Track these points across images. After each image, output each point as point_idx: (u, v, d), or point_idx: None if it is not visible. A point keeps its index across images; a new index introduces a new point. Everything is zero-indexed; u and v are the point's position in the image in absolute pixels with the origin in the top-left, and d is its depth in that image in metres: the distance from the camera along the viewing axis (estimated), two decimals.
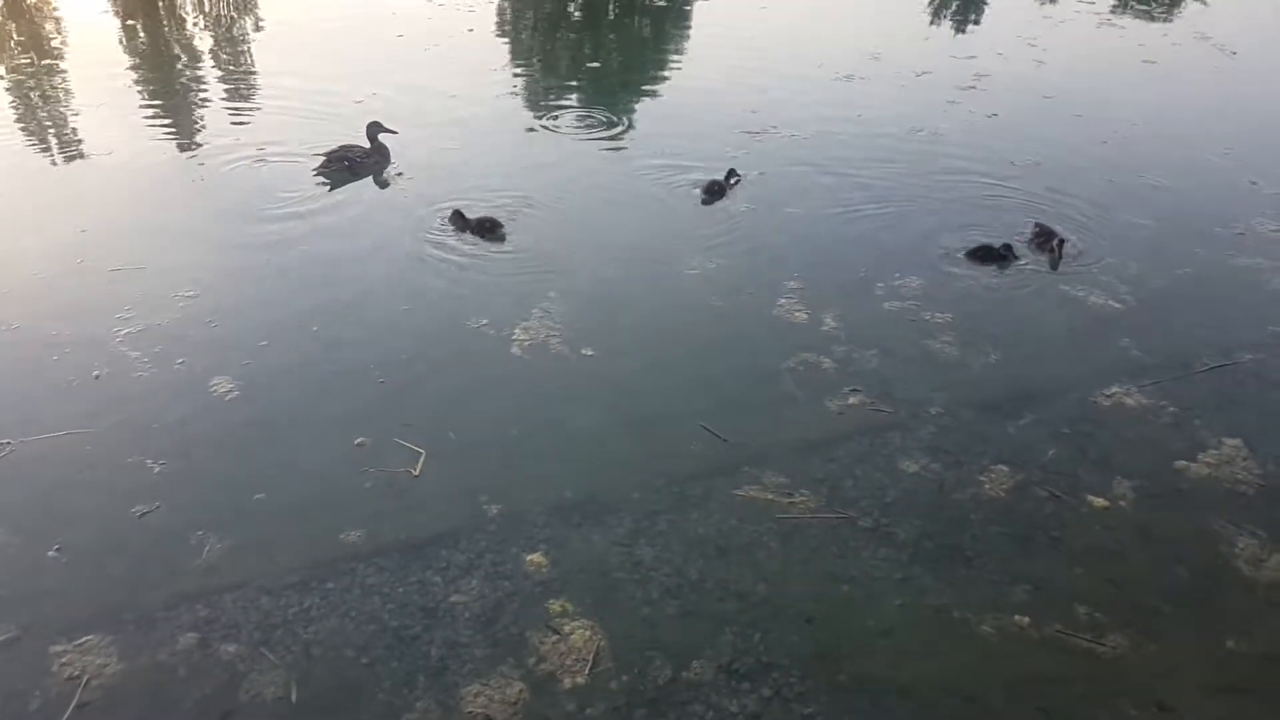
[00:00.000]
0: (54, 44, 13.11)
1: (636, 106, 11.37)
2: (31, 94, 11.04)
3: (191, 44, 13.45)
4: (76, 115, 10.41)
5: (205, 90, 11.35)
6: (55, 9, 14.69)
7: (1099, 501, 5.24)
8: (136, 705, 4.03)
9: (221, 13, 15.06)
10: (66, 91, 11.16)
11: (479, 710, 4.01)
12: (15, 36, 13.34)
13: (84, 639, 4.28)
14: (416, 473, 5.30)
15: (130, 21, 14.12)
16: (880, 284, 7.31)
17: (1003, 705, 4.14)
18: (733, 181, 8.84)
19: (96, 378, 5.97)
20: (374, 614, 4.45)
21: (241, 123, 10.28)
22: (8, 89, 11.20)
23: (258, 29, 14.16)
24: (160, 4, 15.06)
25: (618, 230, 8.23)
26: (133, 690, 4.08)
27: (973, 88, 12.03)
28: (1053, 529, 5.05)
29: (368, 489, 5.19)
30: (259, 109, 10.73)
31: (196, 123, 10.34)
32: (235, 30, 14.16)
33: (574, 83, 12.54)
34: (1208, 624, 4.53)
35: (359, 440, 5.53)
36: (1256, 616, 4.57)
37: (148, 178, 8.91)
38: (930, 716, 4.09)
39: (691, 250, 7.73)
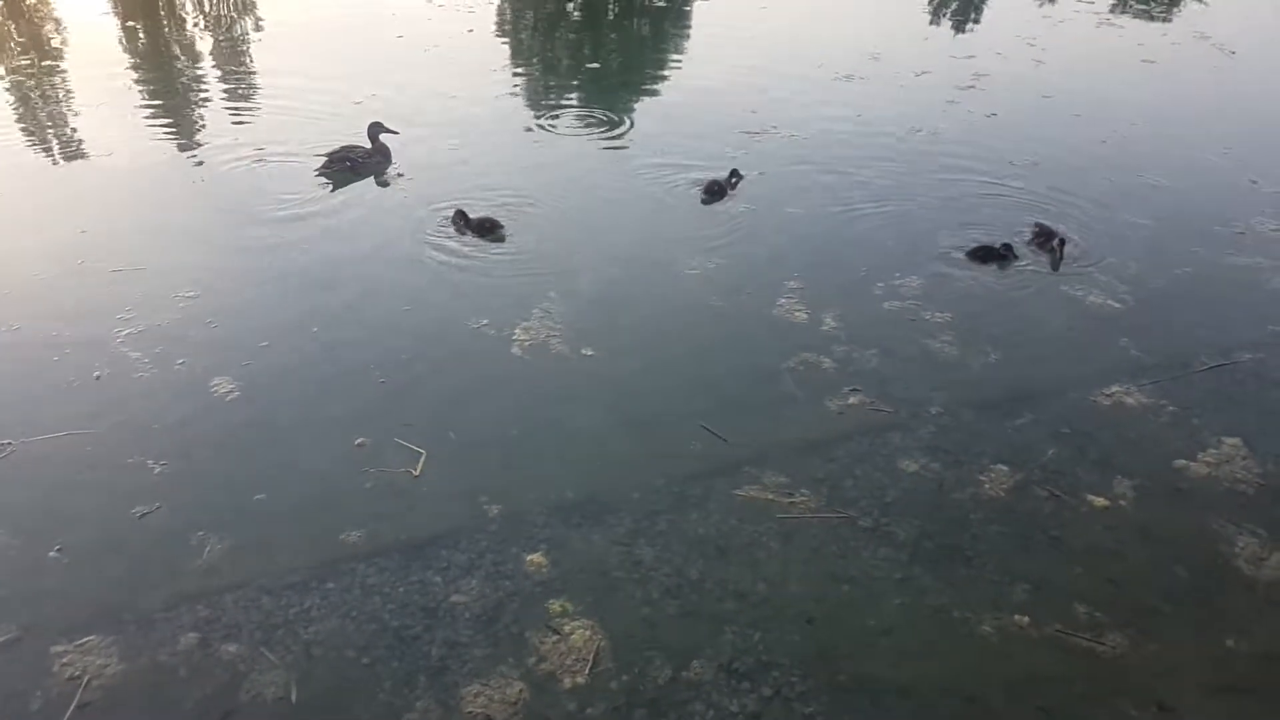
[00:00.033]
0: (54, 44, 13.12)
1: (636, 106, 11.37)
2: (32, 94, 11.04)
3: (191, 44, 13.45)
4: (77, 116, 10.41)
5: (205, 91, 11.35)
6: (54, 10, 14.68)
7: (1099, 501, 5.24)
8: (137, 705, 4.04)
9: (221, 13, 15.07)
10: (67, 92, 11.16)
11: (479, 710, 4.01)
12: (15, 37, 13.33)
13: (85, 639, 4.28)
14: (417, 473, 5.30)
15: (130, 22, 14.12)
16: (880, 284, 7.32)
17: (1003, 705, 4.14)
18: (734, 181, 8.84)
19: (97, 378, 5.98)
20: (374, 614, 4.46)
21: (242, 123, 10.28)
22: (8, 89, 11.20)
23: (257, 30, 14.15)
24: (160, 5, 15.07)
25: (618, 230, 8.23)
26: (133, 690, 4.09)
27: (972, 87, 12.03)
28: (1052, 528, 5.06)
29: (368, 489, 5.19)
30: (259, 109, 10.73)
31: (197, 123, 10.34)
32: (235, 31, 14.16)
33: (574, 83, 12.55)
34: (1207, 623, 4.53)
35: (359, 440, 5.53)
36: (1256, 616, 4.58)
37: (148, 178, 8.91)
38: (930, 716, 4.09)
39: (691, 250, 7.73)
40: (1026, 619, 4.50)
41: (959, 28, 15.48)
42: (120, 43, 13.24)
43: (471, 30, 14.21)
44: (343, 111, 10.49)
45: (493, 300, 6.97)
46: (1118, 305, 7.16)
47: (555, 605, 4.51)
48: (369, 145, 9.21)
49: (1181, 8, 16.98)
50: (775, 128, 10.42)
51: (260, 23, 14.48)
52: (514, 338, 6.51)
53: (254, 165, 9.14)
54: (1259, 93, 12.63)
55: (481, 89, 11.60)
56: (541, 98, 11.67)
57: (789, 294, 7.10)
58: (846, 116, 10.85)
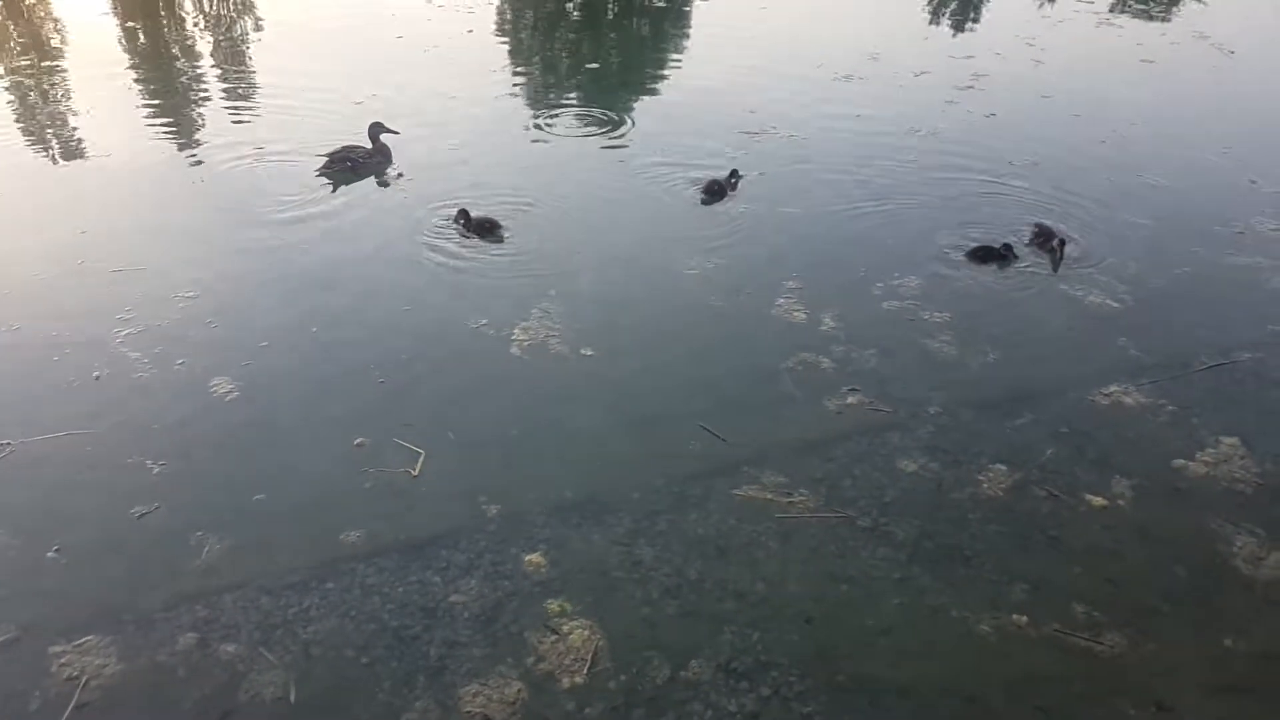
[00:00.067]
0: (54, 44, 13.12)
1: (636, 106, 11.36)
2: (31, 95, 11.05)
3: (191, 45, 13.45)
4: (76, 116, 10.41)
5: (205, 91, 11.35)
6: (54, 9, 14.68)
7: (1097, 501, 5.24)
8: (135, 706, 4.04)
9: (221, 13, 15.07)
10: (66, 92, 11.16)
11: (478, 710, 4.02)
12: (15, 37, 13.34)
13: (83, 639, 4.29)
14: (416, 473, 5.30)
15: (130, 22, 14.12)
16: (879, 284, 7.32)
17: (1001, 705, 4.14)
18: (734, 182, 8.84)
19: (97, 378, 5.98)
20: (373, 614, 4.46)
21: (242, 123, 10.28)
22: (8, 89, 11.20)
23: (257, 30, 14.15)
24: (160, 5, 15.07)
25: (617, 230, 8.23)
26: (132, 691, 4.09)
27: (971, 87, 12.03)
28: (1051, 528, 5.06)
29: (367, 489, 5.20)
30: (259, 110, 10.73)
31: (197, 123, 10.34)
32: (235, 31, 14.16)
33: (573, 83, 12.55)
34: (1206, 623, 4.53)
35: (358, 440, 5.53)
36: (1255, 615, 4.58)
37: (148, 178, 8.92)
38: (929, 716, 4.09)
39: (690, 250, 7.74)
40: (1025, 619, 4.50)
41: (958, 28, 15.48)
42: (120, 43, 13.23)
43: (471, 30, 14.21)
44: (342, 112, 10.49)
45: (492, 300, 6.97)
46: (1117, 305, 7.16)
47: (554, 605, 4.51)
48: (369, 145, 9.22)
49: (1180, 7, 16.98)
50: (775, 128, 10.42)
51: (260, 23, 14.48)
52: (513, 338, 6.51)
53: (254, 165, 9.15)
54: (1258, 92, 12.63)
55: (481, 89, 11.60)
56: (541, 98, 11.67)
57: (788, 294, 7.10)
58: (846, 117, 10.86)
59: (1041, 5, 16.71)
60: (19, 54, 12.53)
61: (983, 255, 7.72)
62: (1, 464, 5.29)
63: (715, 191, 8.70)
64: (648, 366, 6.30)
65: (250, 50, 13.19)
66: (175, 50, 13.30)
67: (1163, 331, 6.86)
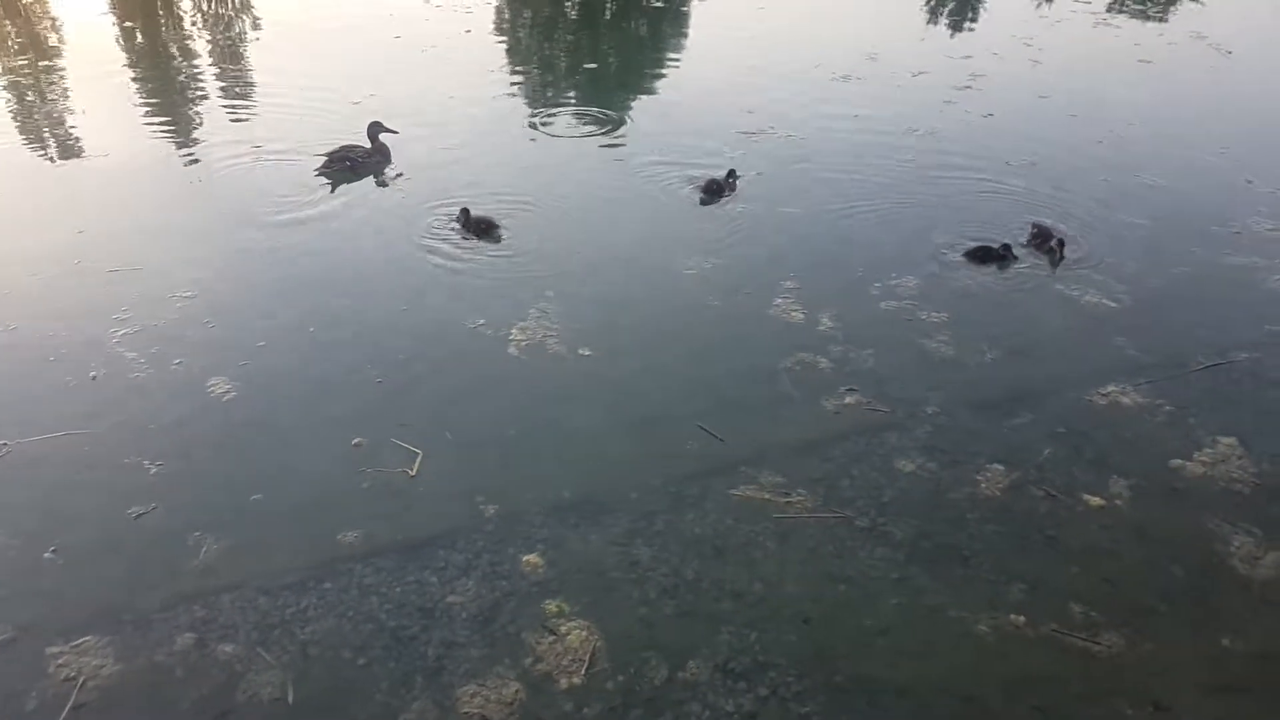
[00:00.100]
0: (51, 44, 13.10)
1: (634, 106, 11.36)
2: (29, 94, 11.03)
3: (189, 44, 13.43)
4: (74, 115, 10.40)
5: (203, 91, 11.34)
6: (52, 9, 14.66)
7: (1095, 500, 5.25)
8: (133, 706, 4.03)
9: (219, 13, 15.05)
10: (64, 92, 11.15)
11: (475, 711, 4.02)
12: (13, 37, 13.32)
13: (81, 640, 4.28)
14: (413, 473, 5.30)
15: (128, 22, 14.10)
16: (877, 284, 7.32)
17: (999, 705, 4.15)
18: (732, 181, 8.84)
19: (94, 379, 5.97)
20: (371, 614, 4.46)
21: (239, 123, 10.27)
22: (5, 89, 11.19)
23: (255, 29, 14.15)
24: (158, 4, 15.06)
25: (615, 230, 8.23)
26: (129, 691, 4.09)
27: (969, 88, 12.04)
28: (1049, 528, 5.06)
29: (365, 489, 5.19)
30: (257, 110, 10.72)
31: (194, 123, 10.34)
32: (233, 31, 14.15)
33: (571, 83, 12.55)
34: (1203, 623, 4.54)
35: (356, 441, 5.53)
36: (1252, 615, 4.58)
37: (145, 178, 8.91)
38: (927, 716, 4.10)
39: (689, 250, 7.74)
40: (1023, 619, 4.50)
41: (956, 28, 15.49)
42: (118, 42, 13.22)
43: (469, 30, 14.20)
44: (340, 111, 10.48)
45: (490, 300, 6.97)
46: (1114, 305, 7.17)
47: (552, 606, 4.51)
48: (369, 145, 9.22)
49: (1178, 8, 16.99)
50: (773, 128, 10.42)
51: (258, 22, 14.47)
52: (511, 338, 6.51)
53: (252, 165, 9.14)
54: (1256, 93, 12.64)
55: (479, 89, 11.60)
56: (539, 98, 11.67)
57: (786, 294, 7.10)
58: (844, 117, 10.85)
59: (1039, 5, 16.72)
60: (16, 53, 12.52)
61: (981, 255, 7.73)
62: None
63: (714, 191, 8.70)
64: (645, 366, 6.30)
65: (248, 50, 13.19)
66: (173, 50, 13.29)
67: (1160, 331, 6.87)
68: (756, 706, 4.08)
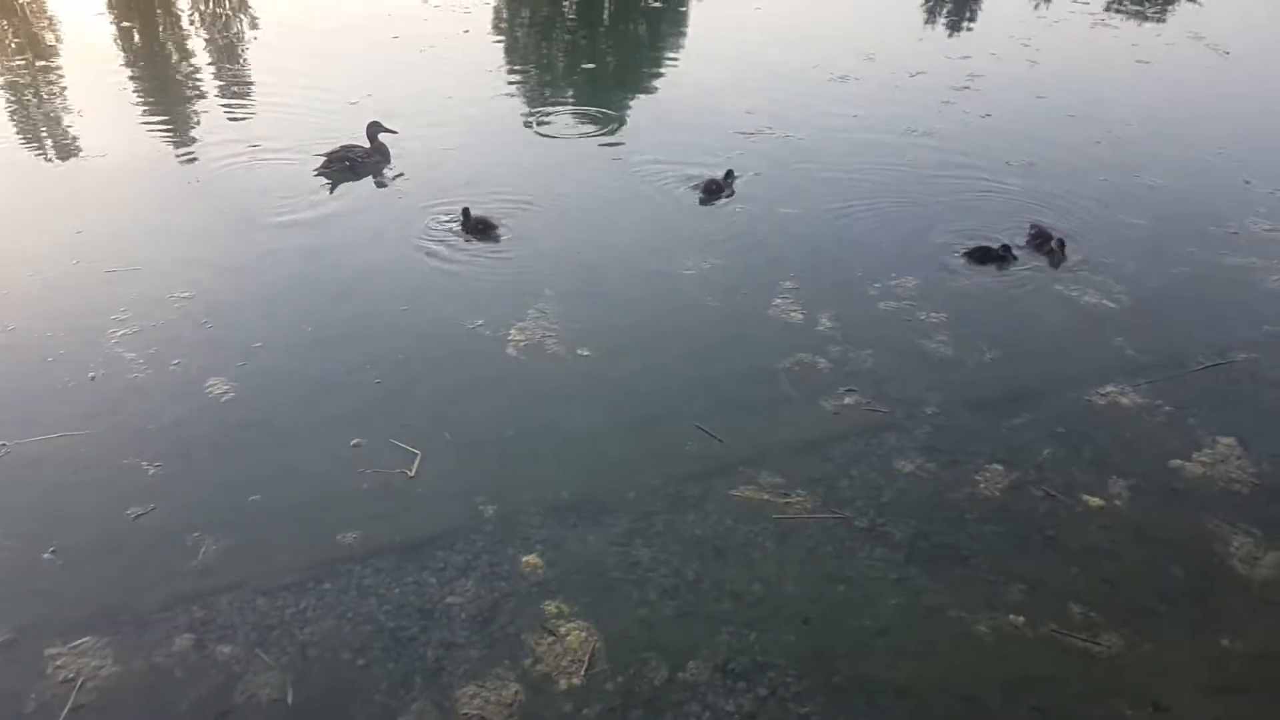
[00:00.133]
0: (49, 44, 13.08)
1: (632, 107, 11.37)
2: (27, 94, 11.01)
3: (186, 44, 13.41)
4: (72, 116, 10.39)
5: (201, 91, 11.33)
6: (49, 9, 14.63)
7: (1094, 501, 5.25)
8: (132, 707, 4.02)
9: (217, 13, 15.04)
10: (62, 92, 11.13)
11: (474, 712, 4.01)
12: (10, 37, 13.30)
13: (79, 641, 4.27)
14: (412, 474, 5.29)
15: (125, 22, 14.09)
16: (876, 284, 7.32)
17: (998, 705, 4.14)
18: (729, 182, 8.84)
19: (92, 379, 5.96)
20: (370, 615, 4.45)
21: (237, 123, 10.26)
22: (2, 89, 11.17)
23: (253, 29, 14.14)
24: (156, 4, 15.04)
25: (614, 230, 8.23)
26: (128, 692, 4.08)
27: (967, 88, 12.04)
28: (1048, 528, 5.06)
29: (364, 490, 5.19)
30: (255, 110, 10.71)
31: (192, 123, 10.33)
32: (231, 31, 14.14)
33: (570, 83, 12.54)
34: (1203, 623, 4.54)
35: (355, 441, 5.52)
36: (1251, 615, 4.58)
37: (143, 178, 8.90)
38: (926, 716, 4.09)
39: (687, 250, 7.73)
40: (1022, 619, 4.50)
41: (953, 28, 15.50)
42: (115, 42, 13.21)
43: (468, 31, 14.19)
44: (339, 111, 10.47)
45: (489, 300, 6.96)
46: (1113, 305, 7.17)
47: (551, 606, 4.51)
48: (368, 145, 9.21)
49: (1175, 8, 17.01)
50: (771, 128, 10.42)
51: (255, 22, 14.46)
52: (510, 338, 6.50)
53: (250, 165, 9.13)
54: (1253, 93, 12.65)
55: (478, 89, 11.59)
56: (538, 98, 11.67)
57: (785, 294, 7.10)
58: (842, 117, 10.86)
59: (1037, 6, 16.73)
60: (14, 53, 12.50)
61: (981, 255, 7.73)
62: None
63: (714, 190, 8.70)
64: (644, 367, 6.30)
65: (246, 50, 13.18)
66: (171, 50, 13.28)
67: (1159, 331, 6.87)
68: (756, 707, 4.07)
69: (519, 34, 14.94)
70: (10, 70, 11.79)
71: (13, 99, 10.86)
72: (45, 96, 10.97)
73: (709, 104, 11.35)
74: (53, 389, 5.86)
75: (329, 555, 4.76)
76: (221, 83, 11.65)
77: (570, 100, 11.58)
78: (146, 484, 5.15)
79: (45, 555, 4.70)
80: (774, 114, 10.83)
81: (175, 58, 12.91)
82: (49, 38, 13.39)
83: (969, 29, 15.44)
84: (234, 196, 8.52)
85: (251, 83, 11.66)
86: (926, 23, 15.82)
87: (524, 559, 4.76)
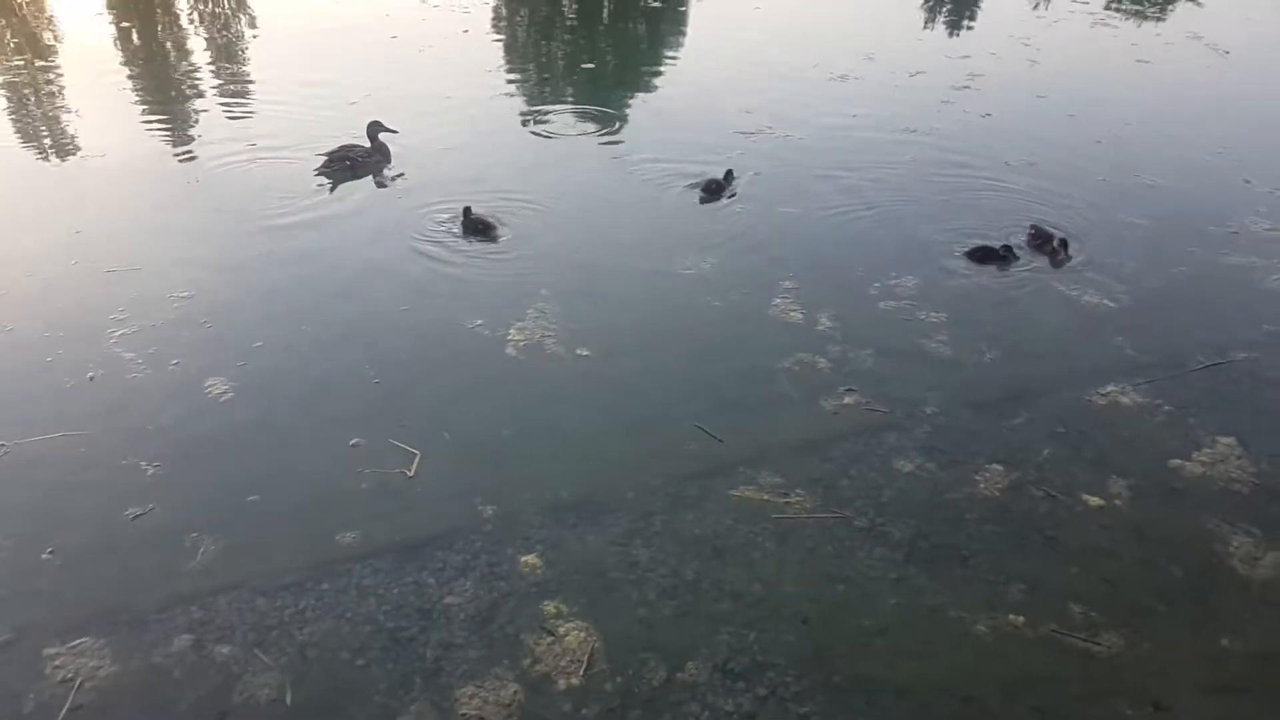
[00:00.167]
0: (48, 44, 13.08)
1: (631, 106, 11.37)
2: (26, 94, 11.01)
3: (185, 45, 13.41)
4: (71, 116, 10.37)
5: (200, 91, 11.32)
6: (48, 9, 14.63)
7: (1094, 500, 5.24)
8: (130, 708, 4.02)
9: (216, 13, 15.03)
10: (61, 92, 11.13)
11: (474, 712, 4.00)
12: (9, 37, 13.29)
13: (78, 641, 4.27)
14: (411, 474, 5.29)
15: (125, 22, 14.08)
16: (876, 284, 7.32)
17: (998, 705, 4.14)
18: (729, 182, 8.83)
19: (91, 379, 5.96)
20: (369, 615, 4.45)
21: (236, 123, 10.26)
22: (1, 89, 11.17)
23: (252, 29, 14.13)
24: (154, 4, 15.03)
25: (613, 230, 8.22)
26: (127, 692, 4.07)
27: (967, 87, 12.04)
28: (1048, 528, 5.06)
29: (363, 490, 5.18)
30: (254, 110, 10.71)
31: (192, 123, 10.32)
32: (230, 32, 14.14)
33: (569, 83, 12.54)
34: (1203, 623, 4.54)
35: (354, 441, 5.52)
36: (1251, 615, 4.58)
37: (143, 178, 8.89)
38: (926, 716, 4.09)
39: (687, 250, 7.73)
40: (1022, 619, 4.50)
41: (953, 28, 15.50)
42: (114, 42, 13.20)
43: (466, 30, 14.19)
44: (338, 111, 10.47)
45: (488, 300, 6.95)
46: (1113, 305, 7.17)
47: (550, 606, 4.50)
48: (368, 144, 9.21)
49: (1175, 7, 17.01)
50: (770, 128, 10.42)
51: (255, 22, 14.46)
52: (509, 338, 6.50)
53: (249, 165, 9.13)
54: (1253, 92, 12.65)
55: (477, 89, 11.59)
56: (537, 98, 11.67)
57: (785, 294, 7.10)
58: (842, 116, 10.86)
59: (1036, 6, 16.73)
60: (13, 53, 12.49)
61: (982, 255, 7.72)
62: None
63: (714, 190, 8.70)
64: (644, 367, 6.29)
65: (245, 49, 13.18)
66: (170, 49, 13.27)
67: (1159, 331, 6.87)
68: (755, 707, 4.07)
69: (518, 33, 14.94)
70: (9, 70, 11.78)
71: (12, 99, 10.85)
72: (44, 96, 10.96)
73: (708, 103, 11.34)
74: (52, 389, 5.86)
75: (328, 555, 4.76)
76: (221, 82, 11.65)
77: (570, 99, 11.58)
78: (145, 484, 5.15)
79: (44, 555, 4.70)
80: (774, 113, 10.83)
81: (174, 57, 12.90)
82: (48, 37, 13.39)
83: (969, 28, 15.44)
84: (233, 196, 8.51)
85: (251, 82, 11.66)
86: (926, 22, 15.82)
87: (523, 559, 4.75)
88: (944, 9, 16.63)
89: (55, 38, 13.39)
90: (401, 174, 9.12)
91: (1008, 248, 7.74)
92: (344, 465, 5.34)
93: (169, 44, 13.50)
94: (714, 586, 4.65)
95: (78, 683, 4.09)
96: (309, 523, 4.95)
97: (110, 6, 14.70)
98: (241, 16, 14.80)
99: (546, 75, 13.00)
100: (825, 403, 5.97)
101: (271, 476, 5.25)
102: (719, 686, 4.15)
